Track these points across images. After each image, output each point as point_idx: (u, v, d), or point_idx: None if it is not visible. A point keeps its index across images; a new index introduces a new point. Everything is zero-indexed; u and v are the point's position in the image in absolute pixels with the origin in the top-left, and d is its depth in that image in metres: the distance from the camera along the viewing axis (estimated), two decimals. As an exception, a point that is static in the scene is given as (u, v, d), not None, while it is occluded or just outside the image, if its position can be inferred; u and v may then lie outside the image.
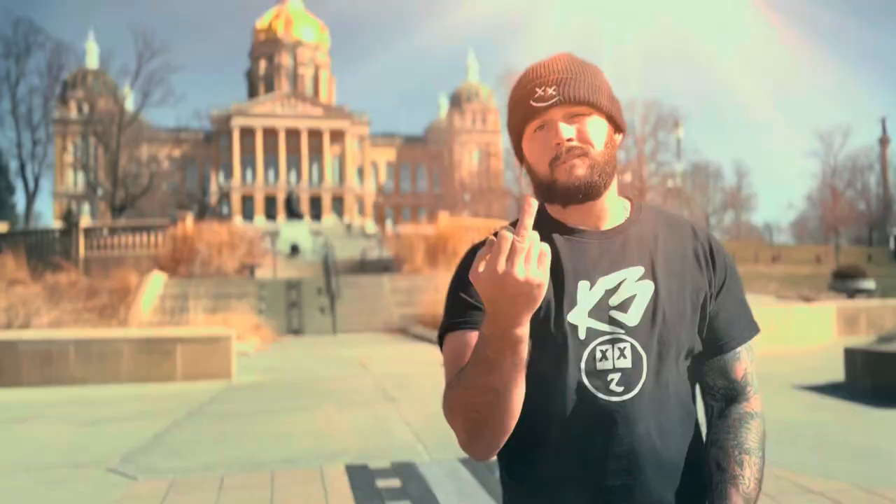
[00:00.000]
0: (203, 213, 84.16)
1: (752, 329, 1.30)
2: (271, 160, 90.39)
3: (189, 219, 23.86)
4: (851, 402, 7.82)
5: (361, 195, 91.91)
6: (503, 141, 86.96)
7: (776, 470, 5.18)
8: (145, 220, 33.08)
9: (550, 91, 1.18)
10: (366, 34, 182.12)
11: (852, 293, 18.34)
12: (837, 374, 9.03)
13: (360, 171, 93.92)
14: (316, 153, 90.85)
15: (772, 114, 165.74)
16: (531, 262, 0.94)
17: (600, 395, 1.17)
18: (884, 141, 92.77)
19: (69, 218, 70.20)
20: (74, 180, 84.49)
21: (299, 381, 9.85)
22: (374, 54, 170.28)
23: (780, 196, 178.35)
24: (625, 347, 1.18)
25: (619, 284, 1.21)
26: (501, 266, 0.94)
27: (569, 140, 1.17)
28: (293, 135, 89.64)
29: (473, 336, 1.12)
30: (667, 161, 74.55)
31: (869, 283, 18.97)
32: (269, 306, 19.03)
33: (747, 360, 1.29)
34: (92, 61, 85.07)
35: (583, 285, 1.20)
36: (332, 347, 14.77)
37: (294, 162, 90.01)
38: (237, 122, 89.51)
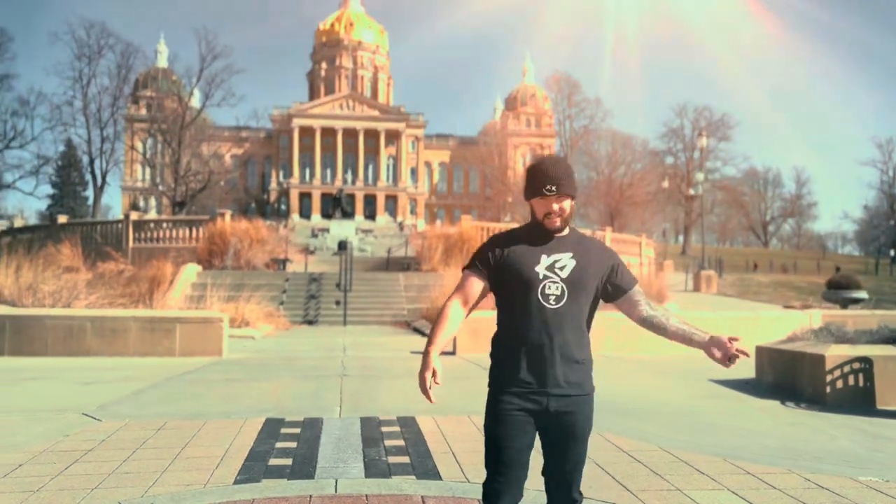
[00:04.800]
0: (263, 210, 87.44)
1: (635, 281, 2.76)
2: (329, 159, 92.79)
3: (227, 215, 25.65)
4: (742, 393, 8.74)
5: (414, 195, 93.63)
6: (557, 144, 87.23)
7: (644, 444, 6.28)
8: (189, 215, 35.21)
9: (553, 188, 2.57)
10: (424, 36, 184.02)
11: (845, 303, 18.75)
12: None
13: (414, 172, 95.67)
14: (372, 153, 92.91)
15: (835, 120, 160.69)
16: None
17: (545, 304, 2.57)
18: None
19: (132, 210, 73.64)
20: (142, 175, 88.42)
21: (278, 360, 11.26)
22: (432, 55, 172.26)
23: (845, 205, 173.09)
24: (558, 286, 2.59)
25: (560, 259, 2.63)
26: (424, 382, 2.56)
27: (555, 210, 2.60)
28: (350, 135, 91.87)
29: (475, 279, 2.68)
30: (716, 168, 74.03)
31: (861, 294, 19.30)
32: (290, 298, 20.58)
33: (639, 293, 2.74)
34: (163, 62, 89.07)
35: (544, 256, 2.63)
36: (333, 336, 16.17)
37: (351, 161, 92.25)
38: (297, 122, 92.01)
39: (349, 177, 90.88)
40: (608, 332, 12.44)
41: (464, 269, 2.74)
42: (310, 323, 19.53)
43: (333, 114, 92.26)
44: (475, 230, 25.60)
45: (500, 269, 2.64)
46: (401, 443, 5.96)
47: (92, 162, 67.30)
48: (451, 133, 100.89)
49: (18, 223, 36.33)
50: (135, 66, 68.52)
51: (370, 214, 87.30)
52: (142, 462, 5.32)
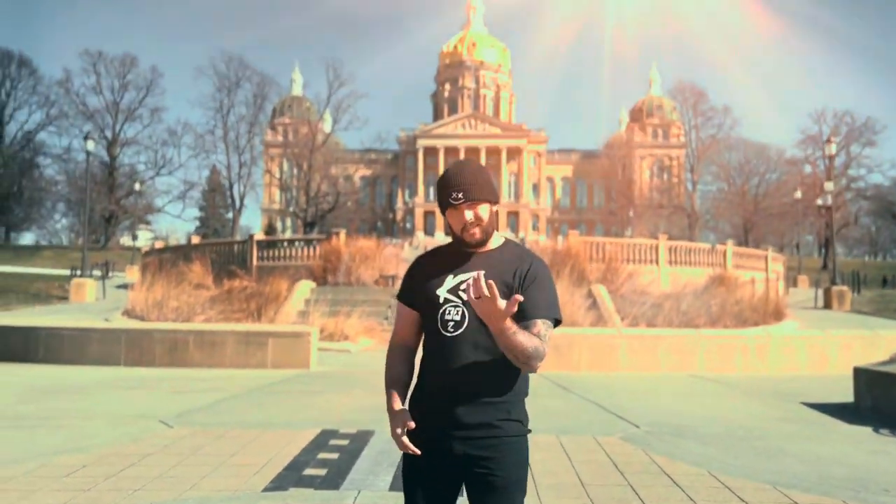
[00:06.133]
0: (390, 228, 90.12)
1: (547, 313, 2.26)
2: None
3: (342, 234, 26.59)
4: (833, 418, 8.07)
5: (536, 211, 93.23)
6: (687, 154, 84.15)
7: (693, 468, 6.03)
8: (307, 235, 36.87)
9: (460, 195, 2.27)
10: (546, 50, 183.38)
11: None
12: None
13: (536, 187, 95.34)
14: (493, 170, 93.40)
15: None
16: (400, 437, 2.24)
17: (443, 332, 2.27)
18: None
19: (268, 231, 78.01)
20: (280, 198, 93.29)
21: (361, 373, 11.55)
22: (555, 69, 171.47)
23: None
24: (459, 310, 2.27)
25: (468, 278, 2.23)
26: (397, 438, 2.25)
27: (469, 221, 2.30)
28: (473, 153, 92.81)
29: (405, 308, 2.43)
30: (861, 176, 68.78)
31: None
32: (394, 313, 21.04)
33: (541, 326, 2.21)
34: (297, 90, 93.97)
35: (450, 277, 2.32)
36: (429, 351, 16.33)
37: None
38: (422, 143, 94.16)
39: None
40: (699, 350, 11.88)
41: (397, 296, 2.51)
42: (412, 338, 19.83)
43: (456, 133, 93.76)
44: (583, 245, 25.15)
45: (415, 293, 2.39)
46: (440, 458, 5.96)
47: (231, 186, 72.07)
48: (573, 147, 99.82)
49: (159, 245, 39.37)
50: (269, 94, 72.76)
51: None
52: (189, 467, 5.64)
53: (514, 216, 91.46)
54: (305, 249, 27.48)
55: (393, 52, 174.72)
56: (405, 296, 2.44)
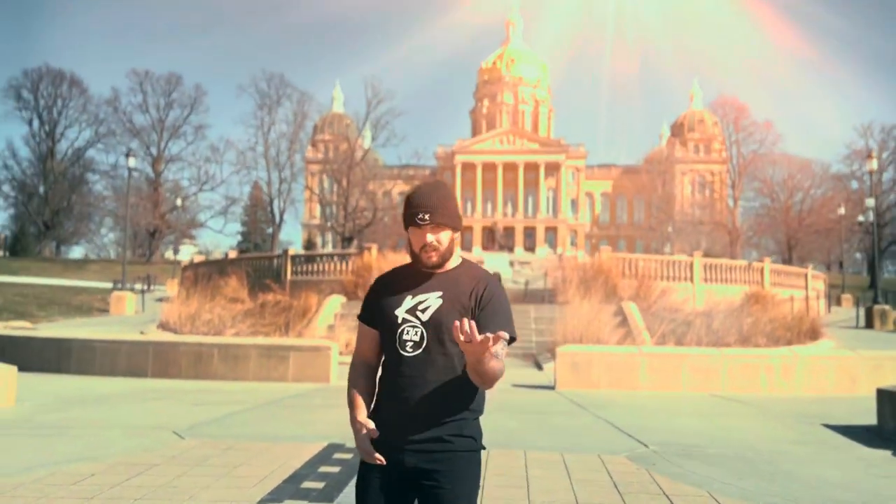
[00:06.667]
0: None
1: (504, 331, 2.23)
2: (490, 193, 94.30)
3: (373, 249, 26.83)
4: (853, 441, 7.86)
5: (574, 226, 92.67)
6: (729, 170, 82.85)
7: (693, 489, 5.97)
8: (343, 249, 37.35)
9: (426, 217, 2.34)
10: (586, 65, 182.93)
11: None
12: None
13: (574, 203, 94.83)
14: (532, 185, 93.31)
15: None
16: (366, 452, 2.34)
17: (402, 352, 2.35)
18: None
19: (308, 246, 78.82)
20: (320, 213, 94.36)
21: (379, 388, 11.63)
22: (595, 84, 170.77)
23: None
24: (417, 330, 2.35)
25: (426, 299, 2.38)
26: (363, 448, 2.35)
27: (430, 242, 2.37)
28: (510, 168, 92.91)
29: (366, 328, 2.49)
30: (910, 191, 66.78)
31: None
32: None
33: (498, 345, 2.17)
34: (338, 107, 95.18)
35: (408, 297, 2.40)
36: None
37: (510, 194, 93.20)
38: (459, 159, 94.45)
39: (509, 210, 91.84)
40: (722, 370, 11.68)
41: (358, 316, 2.57)
42: (440, 354, 19.83)
43: (494, 149, 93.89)
44: (615, 261, 24.95)
45: (373, 313, 2.46)
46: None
47: (272, 202, 73.19)
48: (613, 162, 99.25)
49: (198, 259, 40.14)
50: (309, 112, 73.82)
51: (530, 246, 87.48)
52: (192, 478, 5.76)
53: (552, 232, 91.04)
54: (338, 264, 27.75)
55: (428, 67, 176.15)
56: (364, 315, 2.52)
